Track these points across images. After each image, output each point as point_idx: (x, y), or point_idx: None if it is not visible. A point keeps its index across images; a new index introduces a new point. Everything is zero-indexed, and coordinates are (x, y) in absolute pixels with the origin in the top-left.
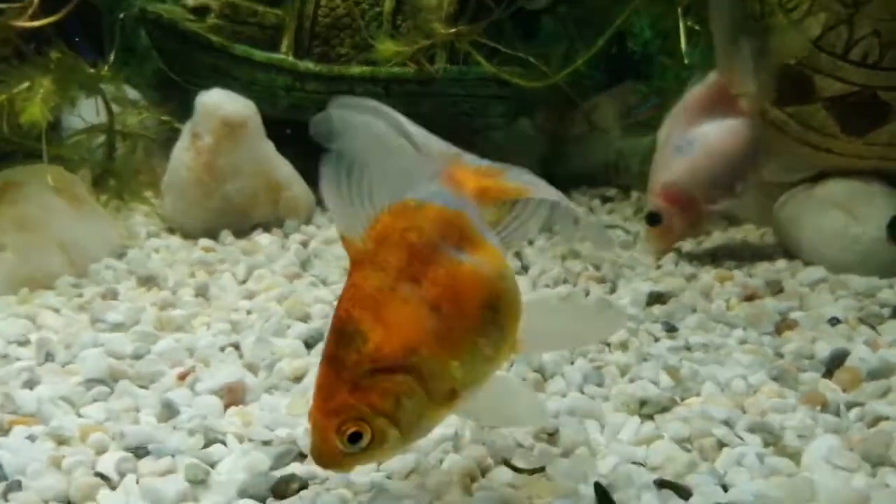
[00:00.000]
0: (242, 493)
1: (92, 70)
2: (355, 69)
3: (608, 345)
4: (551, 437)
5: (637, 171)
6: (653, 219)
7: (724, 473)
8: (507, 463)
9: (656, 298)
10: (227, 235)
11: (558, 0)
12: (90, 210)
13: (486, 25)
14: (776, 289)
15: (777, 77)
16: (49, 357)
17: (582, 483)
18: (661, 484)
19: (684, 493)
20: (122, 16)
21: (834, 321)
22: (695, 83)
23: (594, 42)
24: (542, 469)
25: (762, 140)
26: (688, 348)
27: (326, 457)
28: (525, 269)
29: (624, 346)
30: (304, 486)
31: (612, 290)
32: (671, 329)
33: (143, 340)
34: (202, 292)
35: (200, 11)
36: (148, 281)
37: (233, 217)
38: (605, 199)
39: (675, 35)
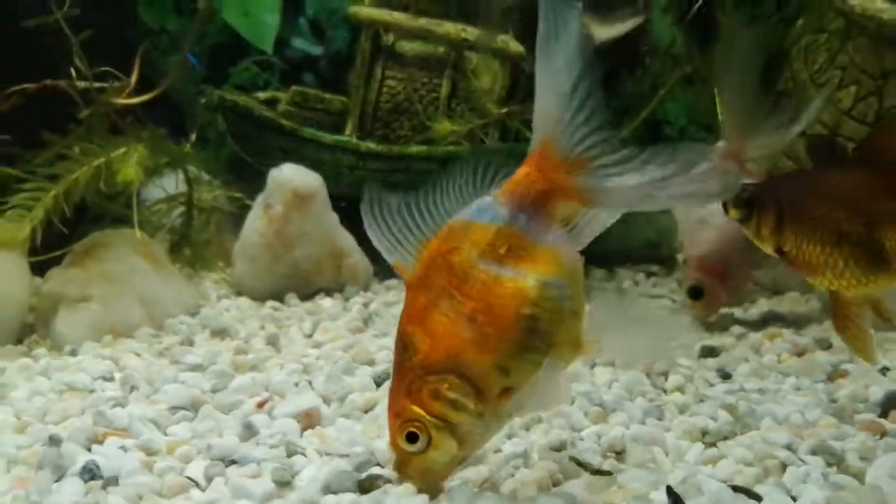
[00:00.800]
0: (326, 490)
1: (176, 146)
2: (413, 149)
3: (664, 390)
4: (619, 455)
5: (677, 248)
6: (695, 293)
7: (790, 488)
8: (575, 460)
9: (709, 352)
10: (292, 297)
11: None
12: (168, 272)
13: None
14: (825, 345)
15: (807, 144)
16: (133, 389)
17: (653, 490)
18: (735, 489)
19: (756, 497)
20: (203, 101)
21: (884, 370)
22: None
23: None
24: (609, 473)
25: None
26: (743, 390)
27: (397, 458)
28: None
29: (680, 389)
30: (388, 482)
31: None
32: (726, 376)
33: (221, 378)
34: (272, 341)
35: (270, 103)
36: (221, 333)
37: (298, 282)
38: (649, 275)
39: (710, 119)
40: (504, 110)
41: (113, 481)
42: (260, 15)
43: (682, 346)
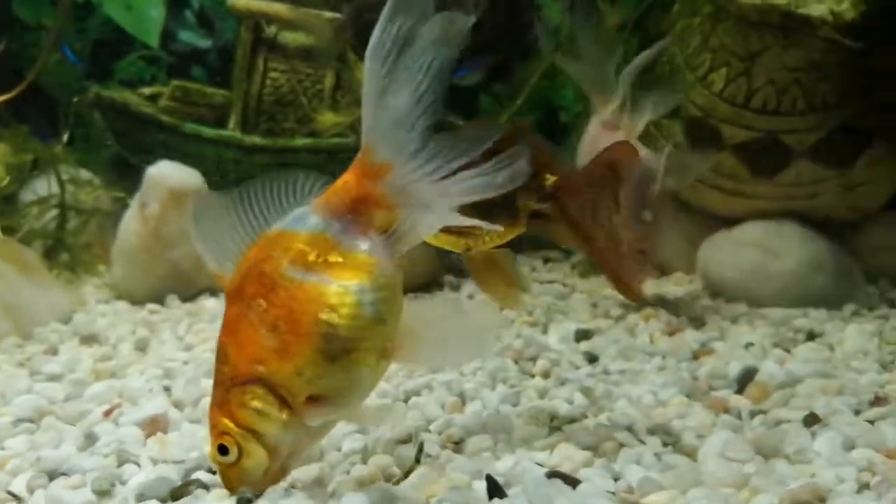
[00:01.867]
0: (140, 498)
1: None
2: (298, 141)
3: (532, 375)
4: (457, 444)
5: None
6: None
7: (619, 469)
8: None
9: (583, 335)
10: (172, 299)
11: (492, 78)
12: (40, 278)
13: None
14: (698, 324)
15: (685, 127)
16: None
17: (477, 479)
18: (552, 475)
19: (573, 482)
20: (75, 100)
21: (748, 345)
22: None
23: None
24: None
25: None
26: (606, 372)
27: (221, 472)
28: None
29: (545, 374)
30: (203, 488)
31: (544, 332)
32: (592, 359)
33: (76, 386)
34: (142, 346)
35: (155, 98)
36: (90, 339)
37: (180, 282)
38: (547, 260)
39: None
40: None
41: None
42: (143, 9)
43: (483, 349)
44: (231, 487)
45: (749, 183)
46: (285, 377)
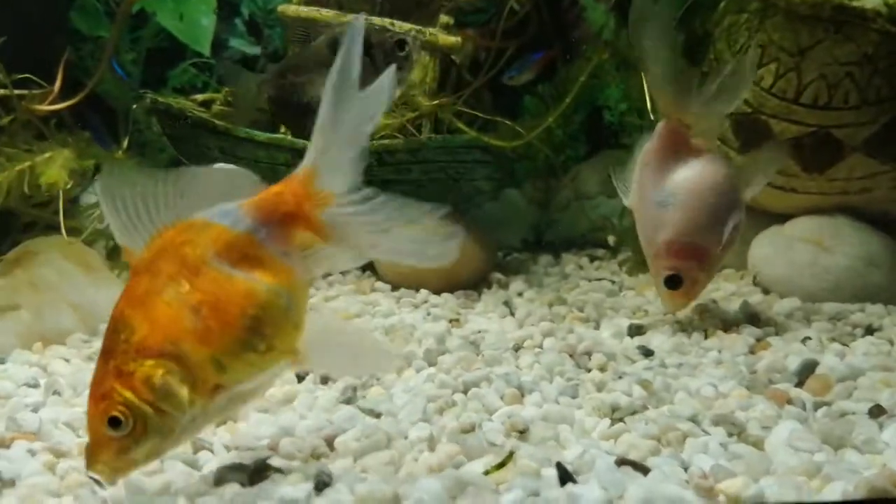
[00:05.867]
0: (219, 482)
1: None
2: None
3: (588, 369)
4: (522, 434)
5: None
6: (673, 282)
7: (686, 458)
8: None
9: (636, 330)
10: None
11: (538, 79)
12: (103, 277)
13: (465, 96)
14: (752, 319)
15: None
16: (55, 394)
17: (545, 466)
18: (622, 462)
19: (643, 469)
20: (134, 107)
21: (805, 340)
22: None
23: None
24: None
25: (731, 166)
26: (663, 366)
27: (94, 445)
28: (512, 313)
29: (601, 368)
30: (279, 472)
31: (596, 328)
32: (648, 353)
33: None
34: None
35: (208, 104)
36: None
37: None
38: (593, 259)
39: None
40: (435, 103)
41: (10, 483)
42: (195, 18)
43: (380, 367)
44: (98, 462)
45: (800, 178)
46: (200, 361)
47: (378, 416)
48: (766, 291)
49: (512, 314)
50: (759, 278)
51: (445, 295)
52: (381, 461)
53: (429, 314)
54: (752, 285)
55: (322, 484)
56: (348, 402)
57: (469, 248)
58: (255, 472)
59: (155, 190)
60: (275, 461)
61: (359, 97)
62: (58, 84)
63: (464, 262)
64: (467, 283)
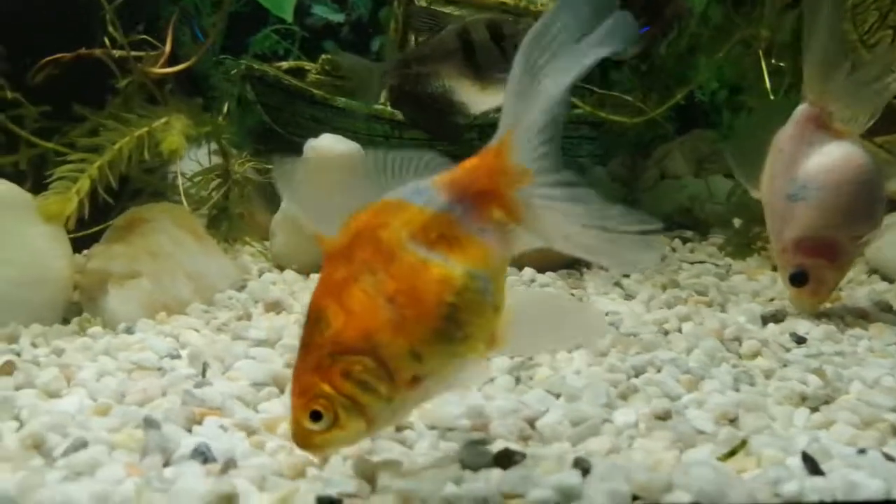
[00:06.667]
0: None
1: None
2: None
3: (739, 355)
4: (732, 422)
5: (710, 213)
6: (798, 279)
7: None
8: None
9: (771, 317)
10: None
11: (643, 53)
12: (210, 246)
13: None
14: (886, 307)
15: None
16: (206, 367)
17: (787, 455)
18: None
19: (888, 457)
20: (233, 71)
21: None
22: (779, 126)
23: (664, 93)
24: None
25: (872, 156)
26: (822, 354)
27: (297, 435)
28: (629, 297)
29: (757, 355)
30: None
31: (722, 311)
32: (800, 340)
33: (294, 352)
34: None
35: (294, 72)
36: (276, 306)
37: None
38: (685, 240)
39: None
40: None
41: (231, 464)
42: None
43: (589, 343)
44: (317, 452)
45: None
46: (398, 353)
47: (557, 397)
48: (889, 280)
49: (629, 296)
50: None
51: (550, 274)
52: (602, 446)
53: None
54: (867, 273)
55: (584, 470)
56: (517, 381)
57: None
58: (504, 457)
59: (342, 171)
60: (499, 444)
61: (559, 61)
62: (168, 45)
63: None
64: (565, 261)
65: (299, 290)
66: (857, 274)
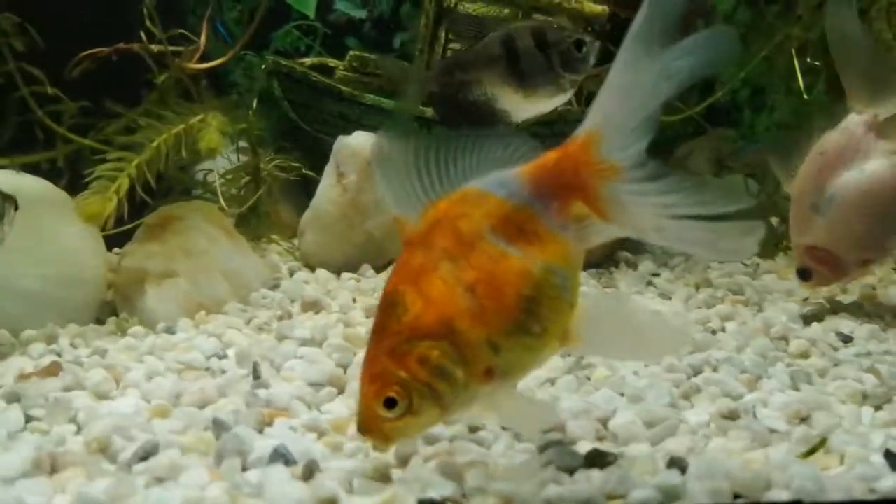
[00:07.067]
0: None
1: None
2: None
3: (786, 353)
4: (804, 420)
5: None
6: (803, 275)
7: None
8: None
9: (812, 317)
10: (367, 269)
11: None
12: (242, 245)
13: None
14: None
15: None
16: (257, 367)
17: (872, 453)
18: None
19: None
20: (263, 67)
21: None
22: (822, 130)
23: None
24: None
25: None
26: (871, 353)
27: (366, 422)
28: (663, 295)
29: (804, 353)
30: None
31: (759, 310)
32: (847, 339)
33: (343, 352)
34: (372, 314)
35: (318, 68)
36: (314, 306)
37: (371, 252)
38: None
39: (770, 83)
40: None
41: (314, 466)
42: None
43: (668, 350)
44: (385, 441)
45: None
46: (475, 341)
47: (620, 397)
48: None
49: (663, 295)
50: None
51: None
52: (682, 446)
53: None
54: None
55: (681, 469)
56: (584, 381)
57: None
58: (597, 457)
59: (428, 157)
60: (580, 447)
61: (658, 59)
62: (203, 40)
63: None
64: (596, 260)
65: (334, 290)
66: (887, 273)
